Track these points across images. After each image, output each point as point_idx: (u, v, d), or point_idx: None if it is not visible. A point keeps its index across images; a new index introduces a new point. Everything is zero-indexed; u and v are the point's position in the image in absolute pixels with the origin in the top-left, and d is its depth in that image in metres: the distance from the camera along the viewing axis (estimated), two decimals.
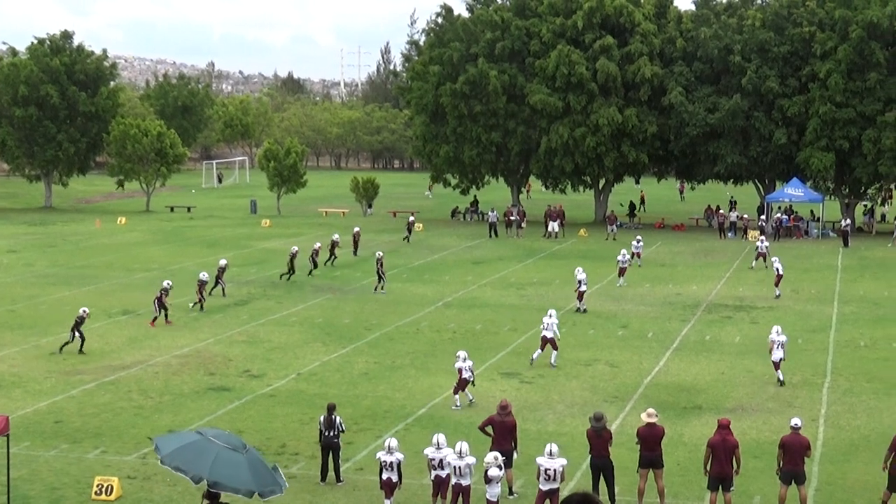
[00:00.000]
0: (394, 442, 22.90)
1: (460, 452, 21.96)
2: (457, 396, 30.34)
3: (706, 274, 55.50)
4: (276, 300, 47.47)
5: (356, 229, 63.82)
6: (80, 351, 36.57)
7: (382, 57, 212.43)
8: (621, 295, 49.30)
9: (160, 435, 20.31)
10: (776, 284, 49.32)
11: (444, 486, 22.36)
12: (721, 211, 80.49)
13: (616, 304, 47.02)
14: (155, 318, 41.47)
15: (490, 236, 72.09)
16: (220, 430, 20.31)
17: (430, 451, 22.55)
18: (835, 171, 77.04)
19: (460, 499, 21.80)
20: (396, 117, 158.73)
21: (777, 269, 49.47)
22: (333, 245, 58.26)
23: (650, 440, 22.75)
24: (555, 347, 35.49)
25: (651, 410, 23.58)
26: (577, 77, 78.48)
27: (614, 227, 73.33)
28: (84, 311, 37.36)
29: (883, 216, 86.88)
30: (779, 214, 77.50)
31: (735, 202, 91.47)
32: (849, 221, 73.37)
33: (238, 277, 53.19)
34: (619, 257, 52.91)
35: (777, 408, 30.30)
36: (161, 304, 41.46)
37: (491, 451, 22.84)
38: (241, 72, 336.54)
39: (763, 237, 61.47)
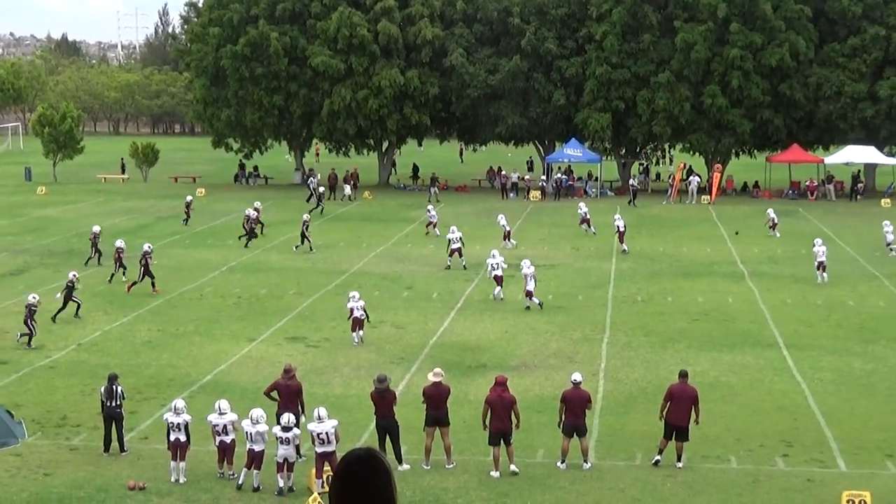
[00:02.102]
0: (180, 403, 22.71)
1: (252, 419, 21.90)
2: (353, 334, 33.03)
3: (489, 234, 56.14)
4: (53, 269, 46.15)
5: (188, 198, 62.09)
6: (28, 342, 33.52)
7: (160, 19, 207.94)
8: (405, 256, 49.59)
9: None
10: (620, 241, 50.73)
11: (230, 452, 22.25)
12: (503, 172, 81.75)
13: (401, 265, 47.28)
14: (153, 282, 41.03)
15: (310, 200, 71.13)
16: None
17: (212, 418, 22.43)
18: (611, 131, 78.95)
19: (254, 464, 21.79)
20: (176, 81, 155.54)
21: (618, 227, 50.82)
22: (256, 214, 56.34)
23: (436, 399, 23.01)
24: (501, 283, 39.93)
25: (437, 370, 23.86)
26: (358, 39, 78.33)
27: (435, 188, 73.94)
28: (33, 298, 34.02)
29: (658, 175, 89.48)
30: (559, 175, 79.03)
31: (532, 162, 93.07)
32: (637, 181, 75.27)
33: (14, 246, 51.52)
34: (502, 221, 54.01)
35: (559, 364, 31.00)
36: (147, 270, 41.00)
37: (278, 415, 22.83)
38: (11, 34, 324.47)
39: (583, 203, 60.96)
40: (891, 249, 50.63)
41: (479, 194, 77.66)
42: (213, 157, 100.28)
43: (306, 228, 51.28)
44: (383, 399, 22.84)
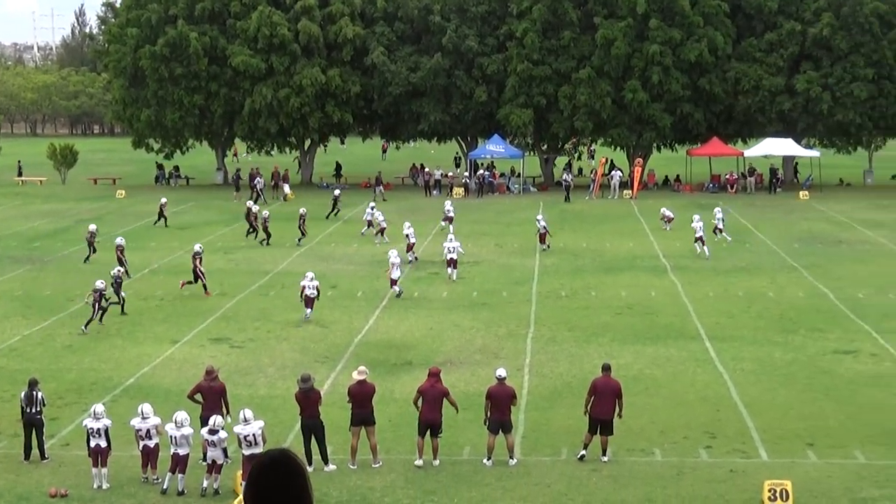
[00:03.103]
0: (100, 407, 22.46)
1: (176, 422, 21.71)
2: (307, 310, 35.96)
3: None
4: None
5: (163, 200, 61.21)
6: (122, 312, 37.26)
7: (77, 19, 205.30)
8: (329, 255, 49.45)
9: None
10: (541, 241, 50.46)
11: (154, 456, 22.05)
12: (426, 169, 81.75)
13: (325, 263, 47.08)
14: (204, 286, 40.64)
15: (264, 202, 70.50)
16: None
17: (135, 422, 22.19)
18: (533, 126, 79.37)
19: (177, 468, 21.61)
20: (94, 81, 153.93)
21: (542, 227, 50.68)
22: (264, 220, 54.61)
23: (361, 398, 22.97)
24: (455, 266, 43.17)
25: (362, 368, 23.81)
26: (279, 38, 77.97)
27: (381, 188, 73.42)
28: (101, 283, 36.02)
29: (580, 170, 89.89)
30: (482, 171, 79.17)
31: (460, 159, 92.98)
32: (570, 176, 75.47)
33: None
34: (375, 216, 54.39)
35: (484, 359, 31.07)
36: (198, 273, 40.68)
37: (202, 417, 22.68)
38: None
39: (449, 201, 58.17)
40: (718, 232, 51.91)
41: (403, 192, 77.54)
42: (134, 158, 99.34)
43: (303, 222, 53.24)
44: (308, 399, 22.77)
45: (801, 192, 72.19)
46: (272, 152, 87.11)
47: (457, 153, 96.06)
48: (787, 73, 76.79)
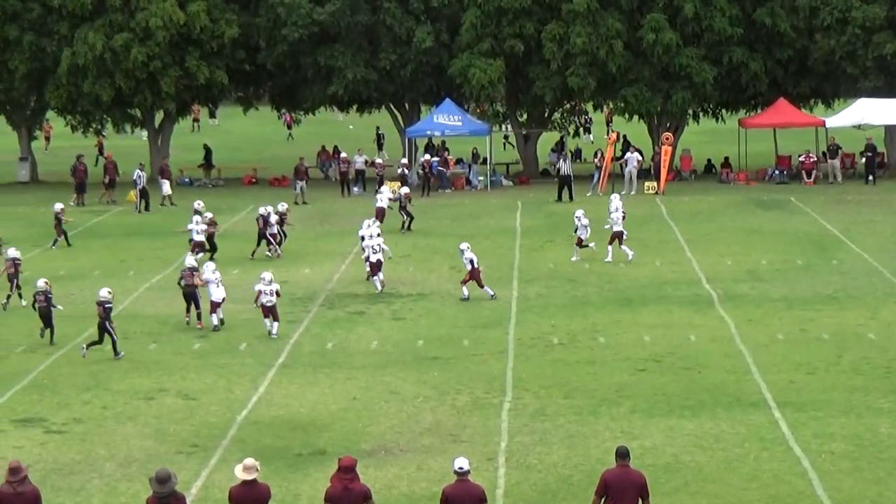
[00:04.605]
0: None
1: None
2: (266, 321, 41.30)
3: (324, 249, 56.02)
4: None
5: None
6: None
7: None
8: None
9: None
10: (467, 282, 48.93)
11: None
12: (344, 155, 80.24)
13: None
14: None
15: (79, 204, 70.86)
16: None
17: None
18: (506, 87, 79.17)
19: None
20: None
21: (469, 262, 49.45)
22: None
23: None
24: (379, 270, 47.01)
25: (249, 462, 23.70)
26: None
27: (303, 183, 73.55)
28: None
29: (578, 152, 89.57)
30: (427, 156, 78.47)
31: (383, 137, 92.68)
32: (566, 163, 73.85)
33: None
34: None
35: (436, 444, 30.97)
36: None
37: None
38: None
39: (385, 193, 57.75)
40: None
41: (308, 189, 76.81)
42: None
43: (264, 224, 54.65)
44: None
45: None
46: (104, 131, 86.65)
47: (378, 129, 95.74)
48: None
